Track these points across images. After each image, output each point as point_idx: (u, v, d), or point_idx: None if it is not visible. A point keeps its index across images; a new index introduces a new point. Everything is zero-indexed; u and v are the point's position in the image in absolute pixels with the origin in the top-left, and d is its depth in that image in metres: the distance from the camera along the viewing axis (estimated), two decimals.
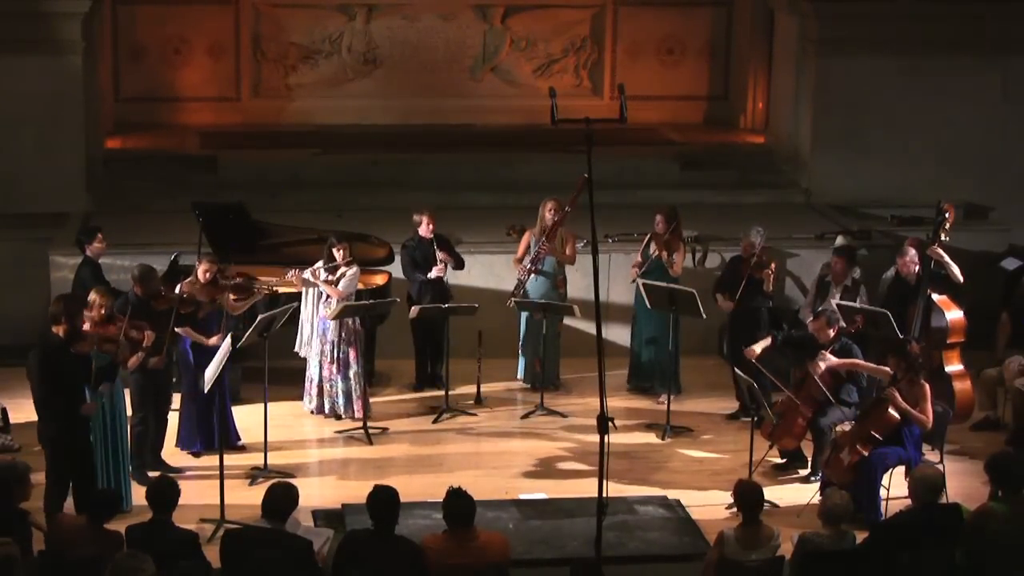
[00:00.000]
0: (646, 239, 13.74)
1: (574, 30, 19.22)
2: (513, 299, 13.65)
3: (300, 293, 13.14)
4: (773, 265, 13.17)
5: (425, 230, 13.54)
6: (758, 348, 12.06)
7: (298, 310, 13.00)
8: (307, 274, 12.98)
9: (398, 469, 12.07)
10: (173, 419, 12.17)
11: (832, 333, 11.84)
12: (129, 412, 11.55)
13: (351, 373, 13.02)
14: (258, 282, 13.23)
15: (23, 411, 12.82)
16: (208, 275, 12.24)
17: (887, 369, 11.36)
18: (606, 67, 19.22)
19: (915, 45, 16.65)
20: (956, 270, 12.82)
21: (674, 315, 13.15)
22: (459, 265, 13.85)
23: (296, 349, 13.20)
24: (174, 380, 12.48)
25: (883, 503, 10.95)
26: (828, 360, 11.66)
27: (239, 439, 12.40)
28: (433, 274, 13.54)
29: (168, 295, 11.85)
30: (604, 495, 8.68)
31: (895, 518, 9.51)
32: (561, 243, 13.70)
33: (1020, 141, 16.93)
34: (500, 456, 12.52)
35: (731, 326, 13.53)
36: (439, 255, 13.54)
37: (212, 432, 11.84)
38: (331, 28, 18.87)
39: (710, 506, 11.44)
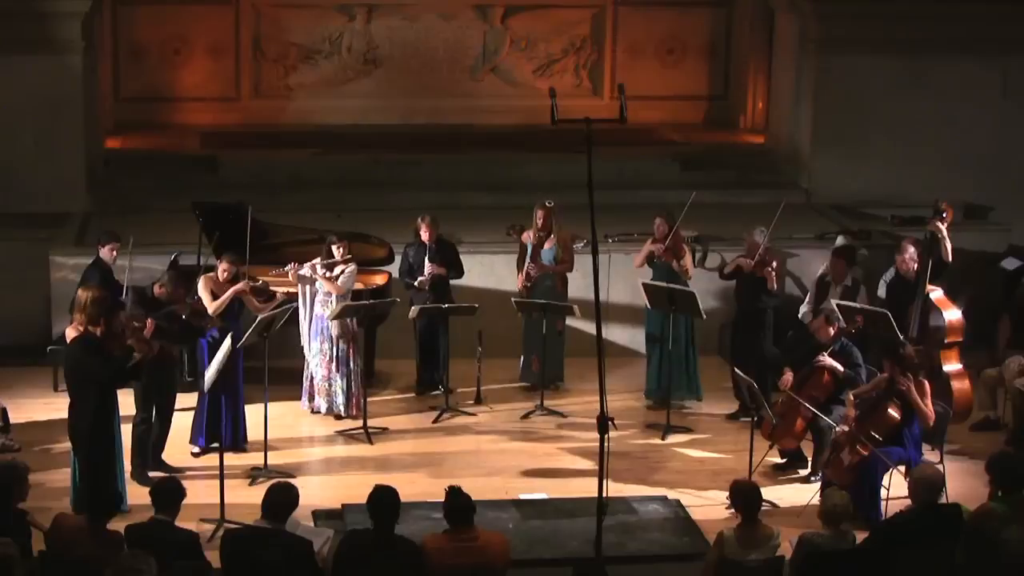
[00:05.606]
0: (647, 249, 13.59)
1: (574, 30, 19.23)
2: (513, 299, 13.64)
3: (298, 292, 13.11)
4: (775, 264, 13.18)
5: (424, 236, 13.50)
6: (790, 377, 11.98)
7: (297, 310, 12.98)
8: (305, 270, 12.94)
9: (398, 469, 12.05)
10: (178, 419, 12.15)
11: (832, 332, 11.85)
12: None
13: (349, 371, 13.02)
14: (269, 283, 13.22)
15: (23, 411, 12.84)
16: (227, 275, 12.30)
17: (884, 375, 11.37)
18: (606, 67, 19.23)
19: (915, 45, 16.66)
20: (949, 246, 12.79)
21: (686, 319, 13.20)
22: (458, 274, 13.75)
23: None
24: (190, 379, 12.63)
25: (883, 503, 10.94)
26: (824, 361, 11.70)
27: (246, 442, 12.35)
28: (416, 283, 13.54)
29: (181, 299, 11.92)
30: (604, 495, 8.67)
31: (895, 518, 9.50)
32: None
33: (1020, 141, 16.93)
34: (500, 456, 12.50)
35: (735, 326, 13.54)
36: (427, 267, 13.47)
37: (219, 431, 11.90)
38: (331, 28, 18.88)
39: (710, 506, 11.44)
